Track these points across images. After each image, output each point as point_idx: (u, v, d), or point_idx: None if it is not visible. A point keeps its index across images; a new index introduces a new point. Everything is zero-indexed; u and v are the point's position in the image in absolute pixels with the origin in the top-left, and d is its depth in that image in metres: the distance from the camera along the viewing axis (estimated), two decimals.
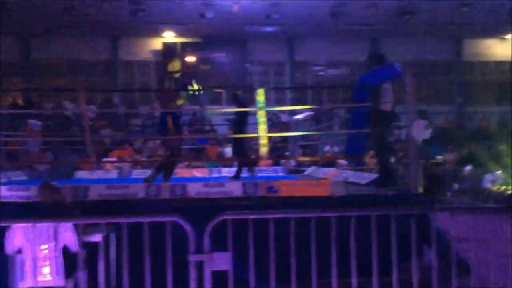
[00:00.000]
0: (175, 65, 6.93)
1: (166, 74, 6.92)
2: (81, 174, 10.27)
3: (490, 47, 20.92)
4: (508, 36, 20.43)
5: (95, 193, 5.37)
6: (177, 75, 6.91)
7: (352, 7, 15.65)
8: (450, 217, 3.37)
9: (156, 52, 19.45)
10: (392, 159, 6.75)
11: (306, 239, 3.36)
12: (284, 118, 18.60)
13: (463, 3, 15.73)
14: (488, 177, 12.16)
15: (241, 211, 3.71)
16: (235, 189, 5.48)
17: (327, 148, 13.97)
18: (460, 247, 4.72)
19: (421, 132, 5.66)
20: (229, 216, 3.32)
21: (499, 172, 12.10)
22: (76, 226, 3.78)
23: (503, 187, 11.77)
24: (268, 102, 9.26)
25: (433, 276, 3.52)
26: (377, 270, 3.39)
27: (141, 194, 5.38)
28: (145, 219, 3.39)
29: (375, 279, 3.35)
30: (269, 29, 17.96)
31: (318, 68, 20.79)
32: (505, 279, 3.27)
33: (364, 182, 6.80)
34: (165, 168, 6.91)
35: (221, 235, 3.28)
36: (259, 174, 10.06)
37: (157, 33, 18.87)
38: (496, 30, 19.54)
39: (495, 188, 11.74)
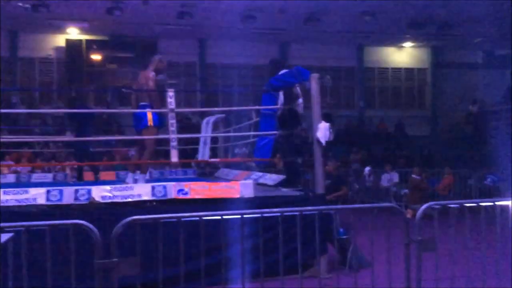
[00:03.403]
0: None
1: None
2: None
3: (388, 55, 22.36)
4: (405, 45, 21.99)
5: None
6: None
7: (263, 11, 15.97)
8: (351, 215, 3.59)
9: (58, 49, 18.51)
10: (299, 161, 6.98)
11: (216, 241, 3.40)
12: (195, 120, 18.53)
13: (365, 13, 16.65)
14: (385, 177, 13.02)
15: (149, 214, 3.65)
16: (144, 192, 5.38)
17: (237, 150, 14.09)
18: (360, 244, 5.02)
19: (325, 134, 5.91)
20: (136, 220, 3.25)
21: (394, 172, 13.01)
22: None
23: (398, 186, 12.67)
24: (179, 104, 9.17)
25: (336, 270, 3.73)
26: (284, 269, 3.51)
27: (41, 200, 5.10)
28: (46, 224, 3.23)
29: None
30: (180, 29, 17.75)
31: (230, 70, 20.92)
32: (398, 276, 3.54)
33: (272, 183, 6.97)
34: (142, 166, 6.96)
35: (129, 239, 3.21)
36: (169, 177, 9.94)
37: (60, 29, 17.95)
38: (394, 39, 20.94)
39: (391, 187, 12.60)
